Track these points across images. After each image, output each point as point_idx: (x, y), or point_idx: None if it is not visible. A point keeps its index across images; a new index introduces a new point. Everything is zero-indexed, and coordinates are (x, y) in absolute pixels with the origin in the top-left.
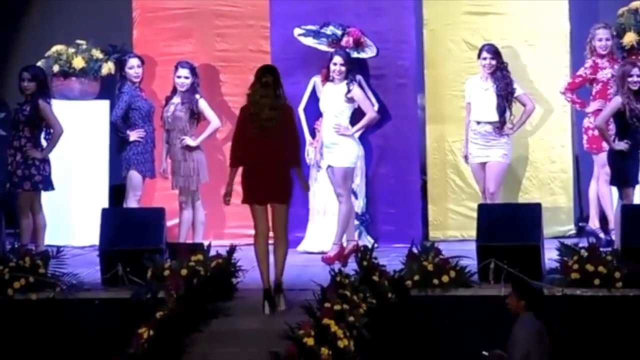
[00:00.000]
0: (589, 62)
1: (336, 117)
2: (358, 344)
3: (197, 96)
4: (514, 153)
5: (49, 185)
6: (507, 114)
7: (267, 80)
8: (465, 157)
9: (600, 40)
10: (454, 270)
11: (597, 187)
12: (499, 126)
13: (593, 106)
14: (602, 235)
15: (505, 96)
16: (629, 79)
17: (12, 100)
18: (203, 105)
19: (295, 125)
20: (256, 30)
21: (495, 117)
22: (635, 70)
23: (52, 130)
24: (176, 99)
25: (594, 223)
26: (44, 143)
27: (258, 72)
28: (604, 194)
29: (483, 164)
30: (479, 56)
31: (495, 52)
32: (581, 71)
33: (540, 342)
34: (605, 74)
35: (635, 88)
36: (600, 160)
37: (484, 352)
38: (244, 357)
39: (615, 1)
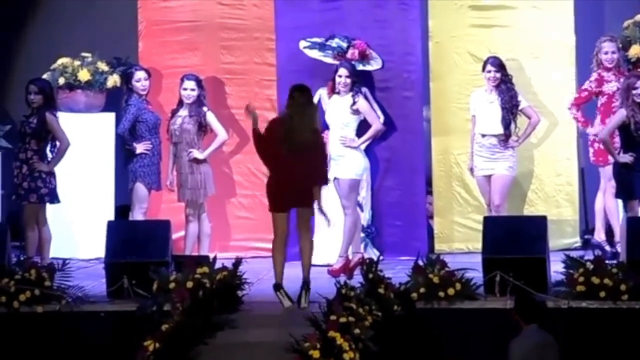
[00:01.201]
0: (594, 76)
1: (342, 129)
2: (364, 357)
3: (205, 109)
4: (520, 166)
5: (54, 198)
6: (512, 126)
7: (303, 101)
8: (471, 170)
9: (606, 53)
10: (459, 282)
11: (603, 200)
12: (504, 139)
13: (596, 128)
14: (607, 247)
15: (510, 109)
16: (634, 92)
17: (16, 113)
18: (211, 117)
19: (325, 147)
20: (262, 43)
21: (500, 130)
22: (639, 83)
23: (57, 143)
24: (183, 112)
25: (599, 236)
26: (49, 155)
27: (293, 91)
28: (611, 207)
29: (488, 177)
30: (483, 69)
31: (499, 65)
32: (586, 85)
33: (542, 356)
34: (611, 87)
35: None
36: (607, 173)
37: None
38: None
39: (621, 14)
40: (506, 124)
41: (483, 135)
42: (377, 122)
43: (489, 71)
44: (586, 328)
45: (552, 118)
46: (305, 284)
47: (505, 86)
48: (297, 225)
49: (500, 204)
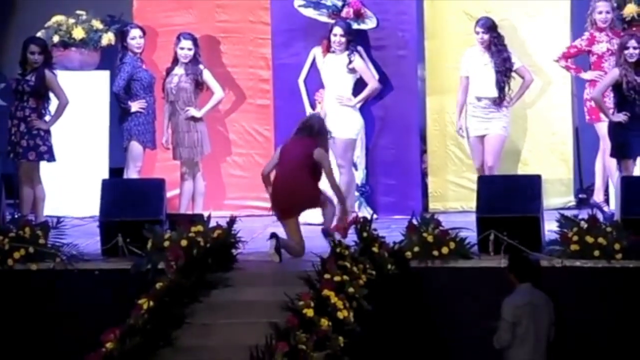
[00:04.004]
0: (586, 34)
1: (339, 88)
2: (358, 315)
3: (201, 67)
4: (515, 125)
5: (52, 156)
6: (506, 88)
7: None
8: (459, 130)
9: (600, 12)
10: (453, 241)
11: (603, 160)
12: (499, 102)
13: (590, 74)
14: (606, 208)
15: (504, 72)
16: (626, 52)
17: (9, 71)
18: (207, 76)
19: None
20: (256, 1)
21: (494, 93)
22: (632, 42)
23: (51, 101)
24: (179, 70)
25: (598, 196)
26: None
27: None
28: (610, 166)
29: (482, 137)
30: (475, 30)
31: (489, 27)
32: (577, 42)
33: (532, 314)
34: (601, 47)
35: (632, 60)
36: (603, 131)
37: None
38: (243, 328)
39: None
40: (500, 87)
41: (478, 99)
42: (373, 81)
43: (478, 33)
44: (580, 287)
45: (547, 77)
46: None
47: (496, 48)
48: None
49: (493, 165)
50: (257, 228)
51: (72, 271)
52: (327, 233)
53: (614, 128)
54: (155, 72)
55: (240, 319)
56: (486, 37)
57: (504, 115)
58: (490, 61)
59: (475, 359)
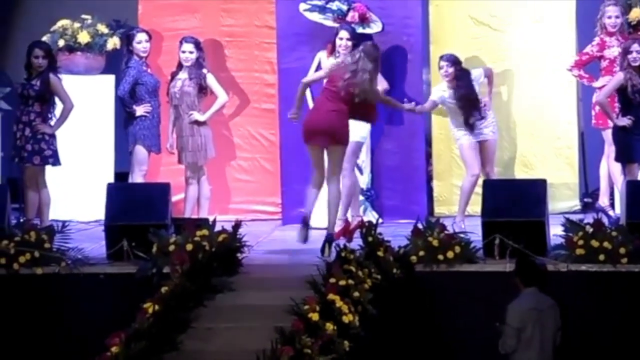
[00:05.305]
0: (596, 40)
1: None
2: (363, 320)
3: (205, 71)
4: (520, 129)
5: (57, 160)
6: (477, 109)
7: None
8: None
9: (609, 17)
10: (459, 245)
11: (607, 165)
12: (479, 118)
13: (601, 81)
14: (611, 212)
15: (471, 104)
16: (629, 56)
17: (15, 75)
18: (211, 80)
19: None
20: (262, 6)
21: (478, 115)
22: (634, 46)
23: (56, 105)
24: (183, 75)
25: (603, 200)
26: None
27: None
28: (614, 171)
29: (477, 142)
30: (439, 65)
31: (453, 61)
32: (588, 48)
33: (538, 319)
34: (612, 52)
35: (636, 64)
36: (609, 138)
37: (497, 324)
38: (248, 332)
39: None
40: (468, 116)
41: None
42: (380, 84)
43: (441, 67)
44: (585, 291)
45: (553, 82)
46: (329, 237)
47: (462, 82)
48: (327, 170)
49: (491, 171)
50: (262, 232)
51: (77, 275)
52: (330, 239)
53: (618, 132)
54: (160, 76)
55: (245, 323)
56: (450, 70)
57: (492, 118)
58: (454, 96)
59: None
